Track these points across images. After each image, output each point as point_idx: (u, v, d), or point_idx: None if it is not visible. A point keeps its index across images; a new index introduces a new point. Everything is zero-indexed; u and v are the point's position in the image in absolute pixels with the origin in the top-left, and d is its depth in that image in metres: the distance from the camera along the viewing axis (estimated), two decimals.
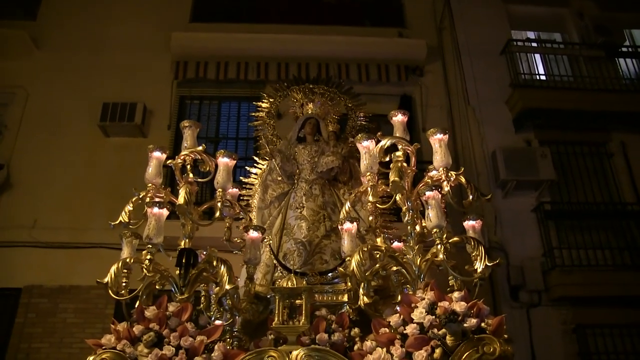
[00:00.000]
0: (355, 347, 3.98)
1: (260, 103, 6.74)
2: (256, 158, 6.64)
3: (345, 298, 4.94)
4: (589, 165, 10.54)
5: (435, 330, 3.57)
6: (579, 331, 8.93)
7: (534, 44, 11.76)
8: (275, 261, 5.62)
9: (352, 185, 6.10)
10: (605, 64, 11.18)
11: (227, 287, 4.02)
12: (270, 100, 6.72)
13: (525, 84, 10.78)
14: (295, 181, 6.12)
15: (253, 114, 6.83)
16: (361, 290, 4.19)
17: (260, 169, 6.48)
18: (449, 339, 3.53)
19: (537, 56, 11.44)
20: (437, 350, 3.54)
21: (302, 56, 10.89)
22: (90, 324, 8.52)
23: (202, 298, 4.56)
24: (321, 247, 5.57)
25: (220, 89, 10.95)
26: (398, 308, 4.03)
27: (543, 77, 11.12)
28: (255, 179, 6.44)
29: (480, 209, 8.37)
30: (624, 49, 11.65)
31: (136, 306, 4.10)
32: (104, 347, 3.73)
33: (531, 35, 12.18)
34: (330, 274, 5.41)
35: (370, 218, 4.98)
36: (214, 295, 4.55)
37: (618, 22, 11.59)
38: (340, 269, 4.68)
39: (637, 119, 10.50)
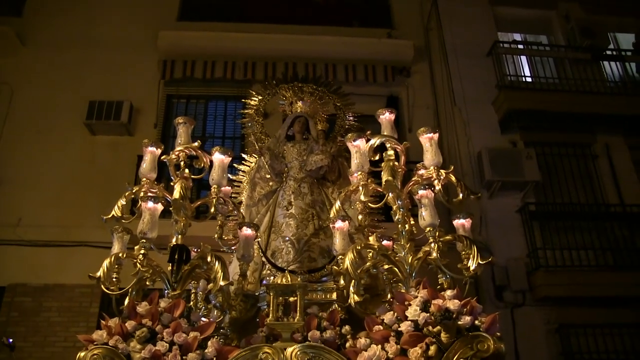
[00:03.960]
0: (348, 345, 3.99)
1: (248, 100, 6.73)
2: (244, 155, 6.64)
3: (335, 296, 4.95)
4: (574, 166, 10.62)
5: (430, 328, 3.59)
6: (562, 331, 9.00)
7: (520, 46, 11.84)
8: (263, 259, 5.60)
9: (341, 184, 6.09)
10: (591, 66, 11.30)
11: (222, 283, 4.01)
12: (259, 97, 6.71)
13: (511, 85, 10.83)
14: (284, 179, 6.12)
15: (241, 111, 6.83)
16: (352, 289, 4.20)
17: (249, 166, 6.49)
18: (443, 336, 3.55)
19: (523, 58, 11.53)
20: (432, 347, 3.55)
21: (289, 56, 10.92)
22: (74, 322, 8.47)
23: (192, 295, 4.56)
24: (310, 245, 5.56)
25: (208, 88, 10.97)
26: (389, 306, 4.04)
27: (529, 79, 11.20)
28: (243, 176, 6.44)
29: (466, 208, 8.41)
30: (609, 52, 11.77)
31: (126, 302, 4.08)
32: (95, 343, 3.71)
33: (517, 37, 12.29)
34: (319, 272, 5.42)
35: (360, 217, 4.98)
36: (200, 293, 4.55)
37: (603, 26, 11.71)
38: (334, 267, 4.67)
39: (621, 122, 10.62)
